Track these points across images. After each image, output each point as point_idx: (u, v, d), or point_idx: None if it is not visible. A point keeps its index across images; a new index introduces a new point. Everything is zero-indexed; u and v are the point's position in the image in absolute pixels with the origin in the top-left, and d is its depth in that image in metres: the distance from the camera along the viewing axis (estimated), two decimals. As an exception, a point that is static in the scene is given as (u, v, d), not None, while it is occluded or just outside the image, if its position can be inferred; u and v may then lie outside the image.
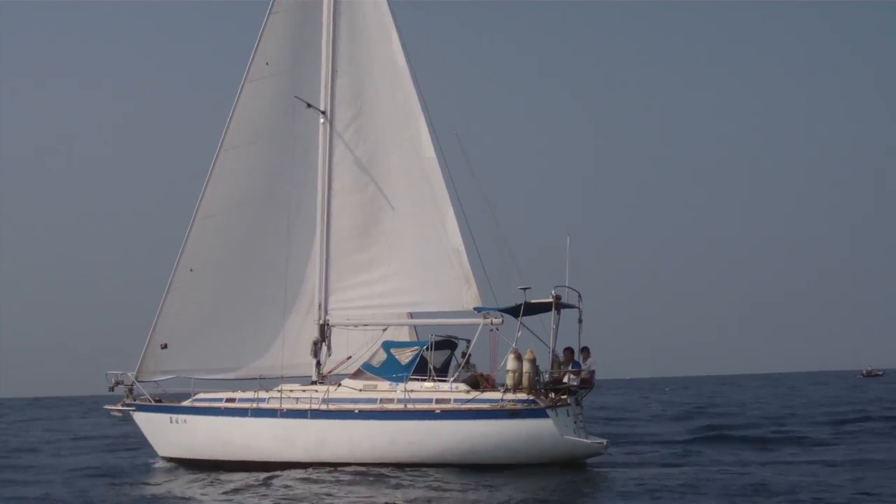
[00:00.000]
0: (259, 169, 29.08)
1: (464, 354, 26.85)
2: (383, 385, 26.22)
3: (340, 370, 28.16)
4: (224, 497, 22.46)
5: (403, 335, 29.14)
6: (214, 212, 28.80)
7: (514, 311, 26.23)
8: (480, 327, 26.55)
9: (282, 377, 28.25)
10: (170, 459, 28.20)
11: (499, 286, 27.54)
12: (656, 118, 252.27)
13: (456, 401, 25.42)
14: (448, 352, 27.34)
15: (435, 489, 22.38)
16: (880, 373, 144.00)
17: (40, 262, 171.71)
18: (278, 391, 27.00)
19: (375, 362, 26.86)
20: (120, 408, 29.03)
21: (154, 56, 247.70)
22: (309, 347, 28.26)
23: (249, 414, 26.90)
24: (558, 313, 25.97)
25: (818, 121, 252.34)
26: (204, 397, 27.97)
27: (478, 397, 25.35)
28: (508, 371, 25.54)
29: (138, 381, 28.57)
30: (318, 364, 28.20)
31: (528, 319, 26.14)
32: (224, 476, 25.41)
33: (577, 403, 26.37)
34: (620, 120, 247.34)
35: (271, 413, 26.67)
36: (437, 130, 28.26)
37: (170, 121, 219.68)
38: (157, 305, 28.67)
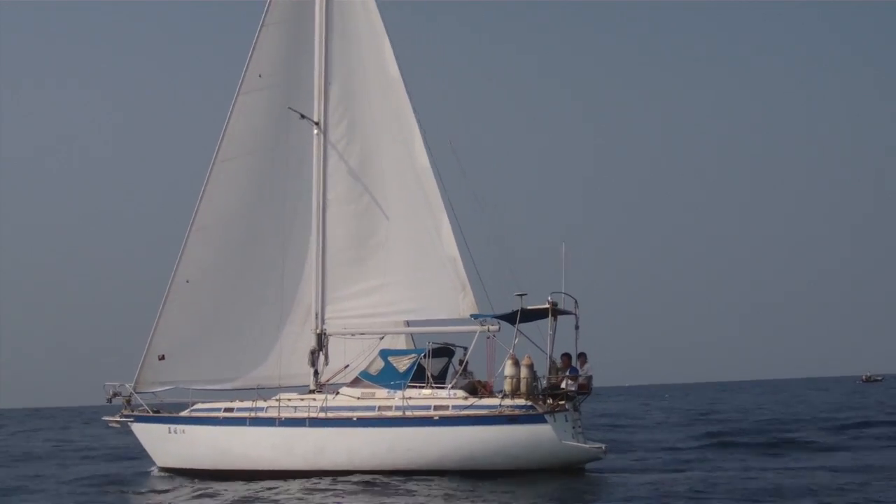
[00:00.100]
0: (253, 180, 29.20)
1: (461, 362, 26.91)
2: (381, 393, 26.26)
3: (338, 379, 28.21)
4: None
5: (400, 343, 29.17)
6: (209, 223, 28.90)
7: (510, 318, 26.27)
8: (477, 334, 26.60)
9: (279, 387, 28.33)
10: (168, 470, 28.23)
11: (495, 292, 27.66)
12: (656, 118, 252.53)
13: (454, 407, 25.46)
14: (445, 359, 27.39)
15: (436, 497, 22.40)
16: (879, 378, 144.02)
17: (40, 263, 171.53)
18: (276, 400, 27.05)
19: (373, 370, 26.90)
20: (118, 419, 29.07)
21: (154, 56, 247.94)
22: (306, 357, 28.33)
23: (248, 423, 26.95)
24: (555, 319, 26.05)
25: (818, 121, 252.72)
26: (202, 407, 28.02)
27: (476, 403, 25.40)
28: (506, 377, 25.57)
29: (136, 393, 28.64)
30: (316, 373, 28.26)
31: (524, 326, 26.19)
32: (224, 485, 25.45)
33: (576, 409, 26.41)
34: (620, 120, 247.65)
35: (270, 422, 26.72)
36: (436, 133, 28.51)
37: (170, 121, 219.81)
38: (156, 309, 28.78)
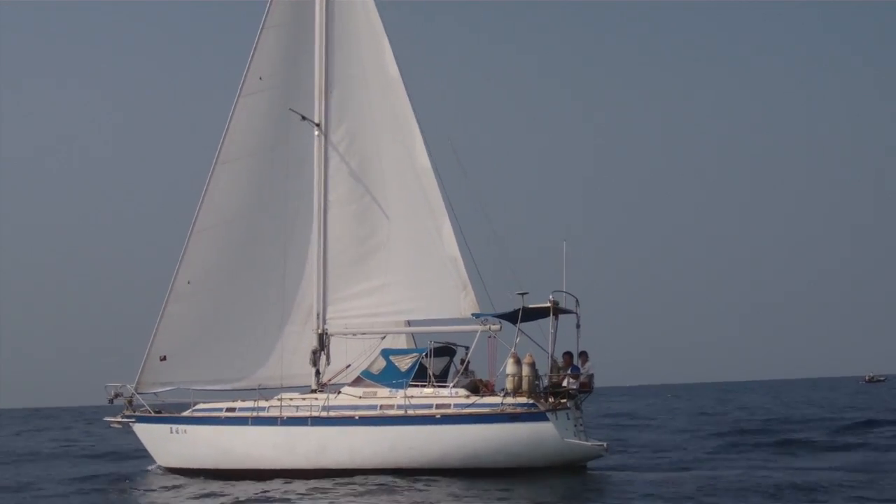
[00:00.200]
0: (254, 181, 29.30)
1: (462, 361, 26.95)
2: (383, 391, 26.31)
3: (339, 379, 28.26)
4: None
5: (401, 343, 29.21)
6: (211, 225, 28.99)
7: (511, 317, 26.31)
8: (479, 334, 26.65)
9: (281, 387, 28.39)
10: (170, 470, 28.28)
11: (496, 291, 27.68)
12: (656, 118, 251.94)
13: (456, 405, 25.50)
14: (447, 358, 27.44)
15: (437, 496, 22.42)
16: (882, 378, 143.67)
17: (40, 263, 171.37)
18: (278, 400, 27.11)
19: (375, 369, 26.94)
20: (120, 419, 29.15)
21: (154, 56, 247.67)
22: (308, 357, 28.37)
23: (250, 423, 27.01)
24: (556, 318, 26.10)
25: (818, 121, 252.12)
26: (204, 407, 28.08)
27: (478, 402, 25.43)
28: (508, 375, 25.63)
29: (137, 393, 28.70)
30: (318, 373, 28.31)
31: (526, 325, 26.20)
32: (227, 485, 25.47)
33: (577, 407, 26.43)
34: (620, 120, 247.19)
35: (272, 421, 26.78)
36: (436, 133, 28.57)
37: (170, 121, 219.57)
38: (157, 309, 28.89)
